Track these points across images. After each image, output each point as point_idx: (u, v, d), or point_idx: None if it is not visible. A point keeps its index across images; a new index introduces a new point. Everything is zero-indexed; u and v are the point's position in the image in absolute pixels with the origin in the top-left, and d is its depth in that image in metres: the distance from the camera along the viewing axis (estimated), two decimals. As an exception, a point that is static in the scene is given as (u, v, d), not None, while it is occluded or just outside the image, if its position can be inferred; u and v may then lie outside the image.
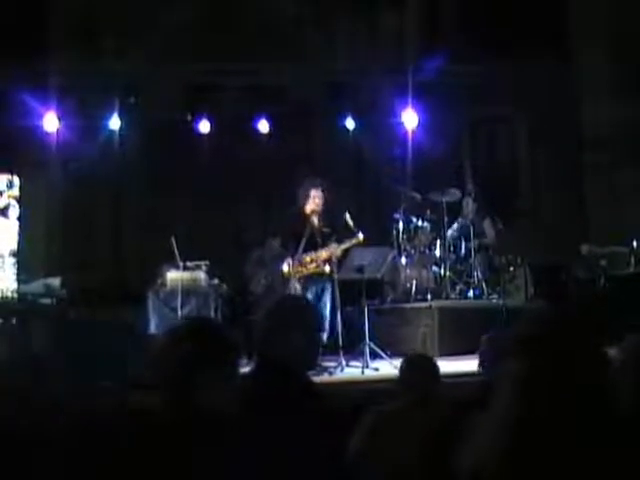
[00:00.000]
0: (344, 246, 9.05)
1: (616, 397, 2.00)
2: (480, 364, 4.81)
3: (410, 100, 12.16)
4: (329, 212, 9.32)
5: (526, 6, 12.78)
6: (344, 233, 9.10)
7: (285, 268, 9.10)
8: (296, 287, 9.08)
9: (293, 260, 9.05)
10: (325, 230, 9.16)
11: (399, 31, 13.34)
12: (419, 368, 4.37)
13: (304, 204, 9.27)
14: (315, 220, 9.16)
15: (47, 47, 12.74)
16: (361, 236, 9.00)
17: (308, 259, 9.07)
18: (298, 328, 3.34)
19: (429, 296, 10.70)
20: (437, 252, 11.15)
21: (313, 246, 9.08)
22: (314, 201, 9.22)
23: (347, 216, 9.05)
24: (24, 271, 11.78)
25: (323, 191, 9.30)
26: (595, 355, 1.96)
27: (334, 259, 8.98)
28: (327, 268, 9.00)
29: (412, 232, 11.16)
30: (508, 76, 12.65)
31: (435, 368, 4.41)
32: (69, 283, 10.61)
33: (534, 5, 12.80)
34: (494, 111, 13.64)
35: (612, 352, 2.47)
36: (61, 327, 9.01)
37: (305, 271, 9.07)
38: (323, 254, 9.06)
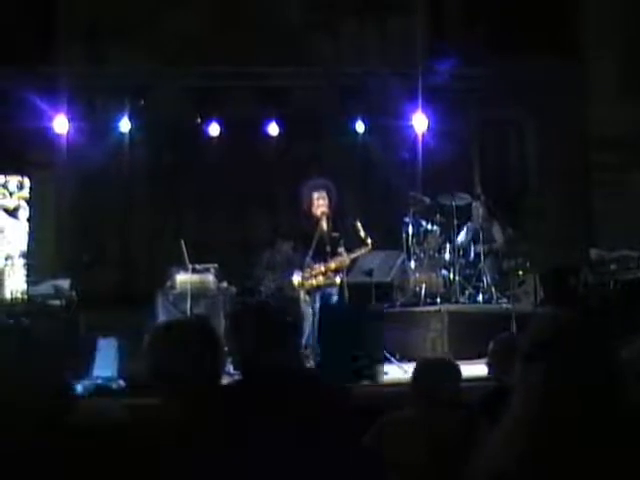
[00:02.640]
0: (353, 255, 9.02)
1: (629, 398, 1.99)
2: (488, 367, 4.77)
3: (420, 103, 12.16)
4: (337, 215, 9.28)
5: (534, 7, 12.77)
6: (354, 240, 9.06)
7: (295, 281, 9.07)
8: (304, 295, 9.07)
9: (303, 271, 9.02)
10: (334, 235, 9.12)
11: (408, 34, 13.31)
12: (433, 372, 4.25)
13: (309, 208, 9.23)
14: (324, 224, 9.11)
15: (56, 49, 12.77)
16: (370, 245, 8.96)
17: (318, 271, 9.03)
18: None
19: (438, 300, 10.70)
20: (446, 256, 11.14)
21: (322, 251, 9.04)
22: (318, 204, 9.17)
23: (358, 224, 9.01)
24: (34, 273, 11.77)
25: (328, 194, 9.25)
26: (609, 357, 1.96)
27: (344, 269, 8.95)
28: (337, 279, 8.98)
29: (421, 236, 11.16)
30: (517, 78, 12.62)
31: (451, 372, 4.28)
32: (78, 285, 10.62)
33: (542, 6, 12.79)
34: (503, 114, 13.61)
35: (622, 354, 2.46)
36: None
37: (315, 283, 9.05)
38: (332, 265, 9.02)
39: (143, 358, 3.13)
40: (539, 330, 2.04)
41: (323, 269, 9.02)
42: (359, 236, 8.97)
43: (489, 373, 4.89)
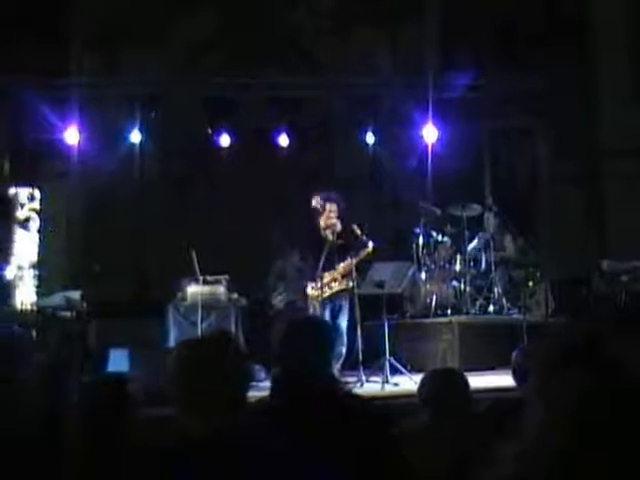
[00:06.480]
0: (357, 259, 9.03)
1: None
2: (515, 376, 4.58)
3: (430, 114, 12.16)
4: (344, 226, 9.29)
5: (545, 16, 12.76)
6: (355, 245, 9.08)
7: (309, 291, 9.08)
8: (315, 304, 9.07)
9: (315, 282, 9.03)
10: (339, 242, 9.13)
11: (419, 45, 13.32)
12: (440, 383, 4.21)
13: (319, 219, 9.24)
14: (330, 235, 9.13)
15: (68, 61, 12.81)
16: (371, 245, 8.97)
17: (329, 279, 9.04)
18: (312, 347, 3.35)
19: (449, 311, 10.69)
20: (457, 267, 11.12)
21: (331, 261, 9.05)
22: (329, 215, 9.19)
23: (354, 227, 9.02)
24: (44, 284, 11.79)
25: (337, 207, 9.27)
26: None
27: (352, 273, 8.94)
28: (350, 283, 8.97)
29: (432, 247, 11.14)
30: (527, 86, 12.59)
31: (459, 383, 4.24)
32: (89, 296, 10.63)
33: (553, 15, 12.78)
34: (514, 123, 13.59)
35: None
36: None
37: (329, 292, 9.05)
38: (340, 270, 9.04)
39: (169, 372, 3.10)
40: (567, 339, 2.03)
41: (333, 276, 9.04)
42: (358, 240, 8.99)
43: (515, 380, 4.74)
